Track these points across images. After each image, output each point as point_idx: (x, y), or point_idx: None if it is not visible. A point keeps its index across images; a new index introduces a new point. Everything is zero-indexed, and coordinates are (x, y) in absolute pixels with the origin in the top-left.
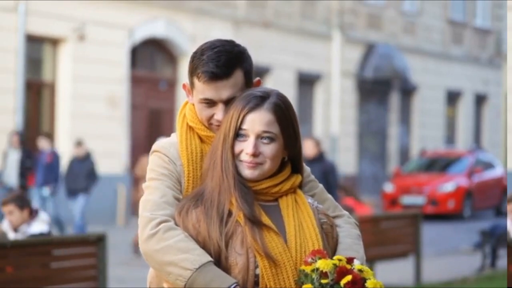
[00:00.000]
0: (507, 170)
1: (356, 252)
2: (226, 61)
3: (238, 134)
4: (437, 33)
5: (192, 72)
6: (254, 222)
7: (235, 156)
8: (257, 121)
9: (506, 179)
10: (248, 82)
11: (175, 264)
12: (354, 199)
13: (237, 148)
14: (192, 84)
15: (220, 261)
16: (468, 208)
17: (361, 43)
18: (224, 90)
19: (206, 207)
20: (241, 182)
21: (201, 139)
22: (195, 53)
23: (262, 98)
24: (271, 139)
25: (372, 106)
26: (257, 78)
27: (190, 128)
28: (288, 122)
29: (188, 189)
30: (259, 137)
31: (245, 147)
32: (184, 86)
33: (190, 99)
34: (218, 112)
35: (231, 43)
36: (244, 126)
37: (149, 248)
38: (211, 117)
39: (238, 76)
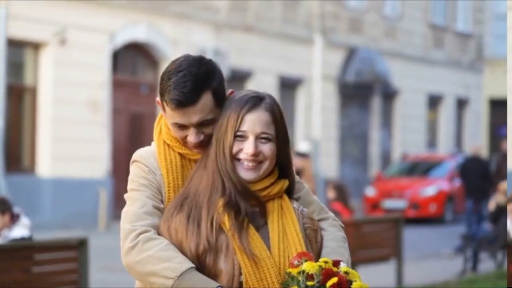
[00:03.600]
0: (507, 170)
1: (341, 256)
2: (192, 87)
3: (236, 135)
4: (418, 37)
5: (162, 95)
6: (241, 226)
7: (232, 156)
8: (257, 121)
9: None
10: (219, 99)
11: (156, 274)
12: (342, 204)
13: (235, 148)
14: (162, 105)
15: (203, 267)
16: (449, 212)
17: (343, 47)
18: (193, 115)
19: (191, 209)
20: (236, 183)
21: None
22: (164, 73)
23: (259, 99)
24: (268, 140)
25: (354, 110)
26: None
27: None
28: (281, 124)
29: (170, 199)
30: (258, 137)
31: (245, 147)
32: (158, 102)
33: (164, 114)
34: (191, 135)
35: (198, 63)
36: (244, 127)
37: (130, 260)
38: (185, 137)
39: (206, 99)
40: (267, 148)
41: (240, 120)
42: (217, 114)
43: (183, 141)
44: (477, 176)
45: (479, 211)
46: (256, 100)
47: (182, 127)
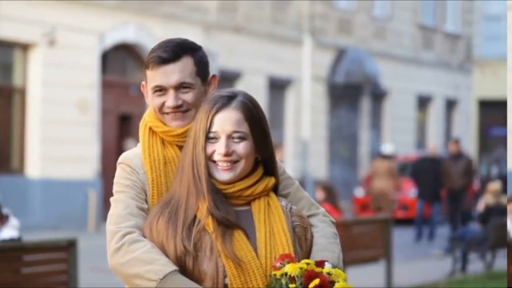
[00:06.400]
0: (507, 170)
1: (331, 252)
2: (173, 47)
3: (208, 136)
4: (407, 38)
5: (146, 66)
6: (226, 227)
7: (207, 158)
8: (226, 120)
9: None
10: (202, 73)
11: (140, 276)
12: (331, 205)
13: (209, 150)
14: (146, 78)
15: (184, 270)
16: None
17: (332, 48)
18: (172, 74)
19: (171, 212)
20: (213, 185)
21: (163, 143)
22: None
23: (229, 98)
24: (242, 138)
25: (343, 111)
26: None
27: (152, 132)
28: (257, 121)
29: (154, 197)
30: (229, 137)
31: (217, 148)
32: (142, 86)
33: (147, 100)
34: (169, 99)
35: (187, 40)
36: (214, 128)
37: (115, 262)
38: (163, 105)
39: (187, 62)
40: (240, 147)
41: (209, 121)
42: (197, 84)
43: (161, 111)
44: (429, 177)
45: (431, 212)
46: (225, 100)
47: (161, 91)
